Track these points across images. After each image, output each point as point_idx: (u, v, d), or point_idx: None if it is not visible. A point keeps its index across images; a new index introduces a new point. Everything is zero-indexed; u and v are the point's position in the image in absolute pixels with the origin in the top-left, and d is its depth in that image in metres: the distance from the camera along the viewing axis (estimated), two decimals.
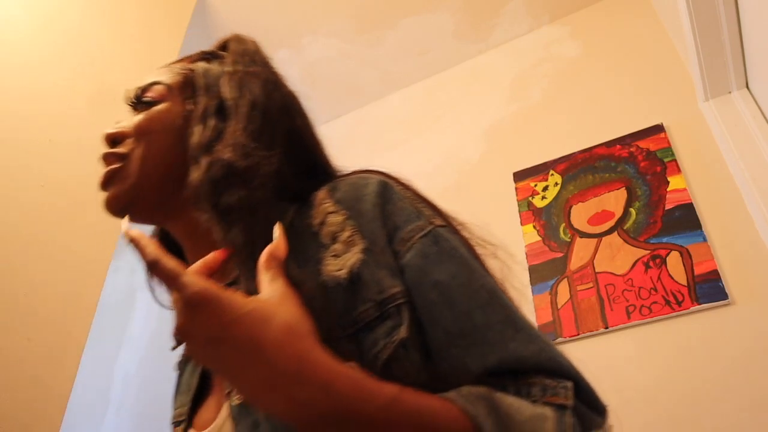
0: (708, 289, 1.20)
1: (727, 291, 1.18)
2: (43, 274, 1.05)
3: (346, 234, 0.49)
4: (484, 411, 0.39)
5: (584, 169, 1.53)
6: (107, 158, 0.61)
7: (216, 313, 0.35)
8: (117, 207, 0.60)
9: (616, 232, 1.39)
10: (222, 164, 0.51)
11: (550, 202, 1.53)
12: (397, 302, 0.45)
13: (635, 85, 1.60)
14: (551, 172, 1.58)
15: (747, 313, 1.16)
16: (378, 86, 2.13)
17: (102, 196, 0.62)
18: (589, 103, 1.65)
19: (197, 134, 0.55)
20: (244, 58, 0.61)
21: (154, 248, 0.37)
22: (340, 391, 0.36)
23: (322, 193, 0.54)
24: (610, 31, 1.75)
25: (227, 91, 0.57)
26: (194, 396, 0.57)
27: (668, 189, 1.37)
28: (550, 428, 0.39)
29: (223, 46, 0.64)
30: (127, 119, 0.62)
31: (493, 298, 0.46)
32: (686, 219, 1.31)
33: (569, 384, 0.42)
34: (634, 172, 1.45)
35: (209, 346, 0.36)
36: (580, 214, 1.47)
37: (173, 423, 0.60)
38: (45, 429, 0.95)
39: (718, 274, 1.21)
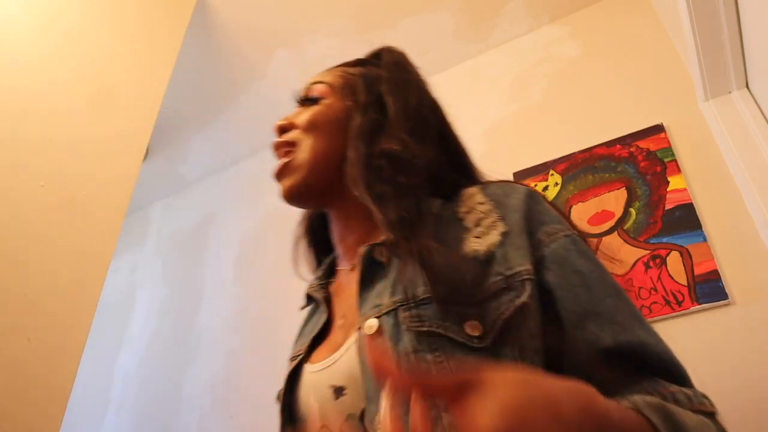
0: (708, 289, 1.20)
1: (727, 291, 1.19)
2: (42, 273, 1.05)
3: (489, 220, 0.57)
4: (660, 418, 0.42)
5: (584, 169, 1.53)
6: (279, 146, 0.69)
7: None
8: (294, 195, 0.67)
9: (616, 232, 1.39)
10: (384, 153, 0.60)
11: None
12: (523, 278, 0.52)
13: (635, 85, 1.60)
14: (551, 172, 1.58)
15: (747, 313, 1.16)
16: None
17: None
18: (589, 103, 1.65)
19: (359, 125, 0.64)
20: (397, 66, 0.72)
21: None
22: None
23: (473, 189, 0.62)
24: (610, 31, 1.75)
25: (386, 91, 0.67)
26: (314, 338, 0.64)
27: (668, 189, 1.37)
28: None
29: (376, 55, 0.76)
30: (290, 115, 0.72)
31: (621, 294, 0.54)
32: (686, 219, 1.31)
33: (706, 395, 0.48)
34: (634, 172, 1.45)
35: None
36: (580, 214, 1.47)
37: (291, 358, 0.67)
38: (45, 429, 0.95)
39: (718, 274, 1.21)
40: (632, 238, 1.36)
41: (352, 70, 0.73)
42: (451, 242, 0.56)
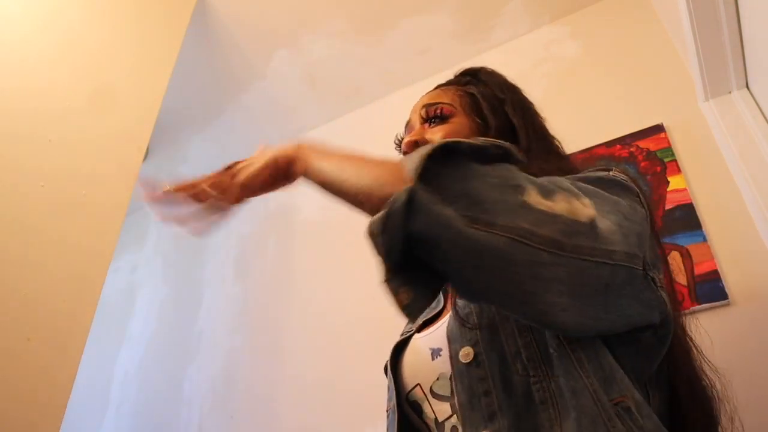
0: (708, 289, 1.20)
1: (727, 291, 1.18)
2: (42, 273, 1.05)
3: None
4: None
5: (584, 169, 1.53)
6: None
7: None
8: None
9: None
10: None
11: None
12: None
13: (635, 85, 1.60)
14: None
15: (747, 313, 1.16)
16: (378, 86, 2.13)
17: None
18: (589, 103, 1.65)
19: None
20: (504, 85, 0.82)
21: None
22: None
23: None
24: (610, 31, 1.75)
25: (512, 114, 0.77)
26: (427, 321, 0.74)
27: (668, 189, 1.37)
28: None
29: (473, 74, 0.85)
30: (418, 131, 0.79)
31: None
32: (686, 219, 1.31)
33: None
34: (634, 172, 1.45)
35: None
36: None
37: (402, 334, 0.77)
38: (45, 429, 0.95)
39: (718, 274, 1.21)
40: None
41: (465, 89, 0.81)
42: None
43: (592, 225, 0.47)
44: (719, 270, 1.21)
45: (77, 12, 1.34)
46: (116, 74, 1.38)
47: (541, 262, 0.44)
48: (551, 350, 0.53)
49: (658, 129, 1.47)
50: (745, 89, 1.28)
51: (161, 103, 1.49)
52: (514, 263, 0.44)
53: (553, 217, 0.45)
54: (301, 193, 2.16)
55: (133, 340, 2.26)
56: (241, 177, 0.64)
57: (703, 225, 1.28)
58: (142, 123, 1.42)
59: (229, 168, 0.67)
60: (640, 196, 0.62)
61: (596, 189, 0.54)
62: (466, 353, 0.59)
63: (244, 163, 0.66)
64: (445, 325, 0.65)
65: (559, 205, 0.46)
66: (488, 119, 0.76)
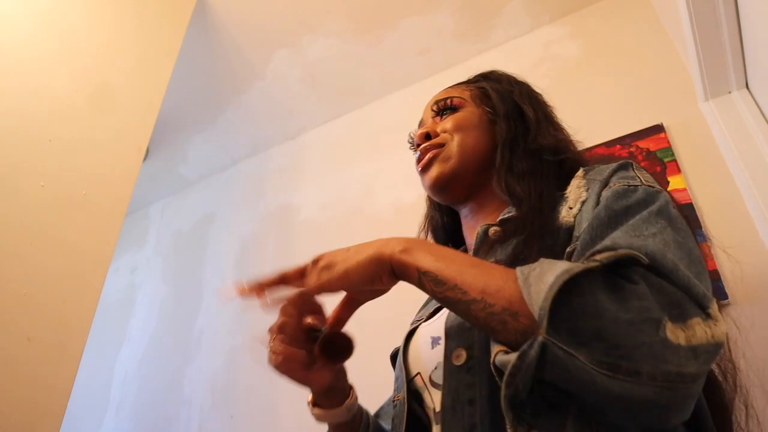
0: None
1: (727, 291, 1.18)
2: (43, 273, 1.05)
3: (580, 194, 0.64)
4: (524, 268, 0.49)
5: None
6: (428, 148, 0.78)
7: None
8: (442, 182, 0.76)
9: None
10: (537, 149, 0.73)
11: None
12: None
13: (635, 85, 1.60)
14: None
15: (747, 313, 1.16)
16: (378, 86, 2.13)
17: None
18: (589, 103, 1.65)
19: (509, 129, 0.76)
20: (516, 81, 0.86)
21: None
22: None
23: (580, 172, 0.69)
24: (610, 31, 1.75)
25: (520, 100, 0.80)
26: (437, 309, 0.74)
27: (668, 189, 1.37)
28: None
29: (483, 74, 0.89)
30: (429, 124, 0.81)
31: (640, 220, 0.55)
32: (686, 219, 1.30)
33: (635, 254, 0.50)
34: None
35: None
36: None
37: (412, 323, 0.78)
38: (45, 429, 0.95)
39: (719, 274, 1.21)
40: None
41: (475, 84, 0.85)
42: (555, 217, 0.64)
43: (723, 340, 0.46)
44: (719, 270, 1.21)
45: (77, 12, 1.34)
46: (116, 74, 1.38)
47: (691, 395, 0.44)
48: None
49: (658, 129, 1.47)
50: (745, 89, 1.28)
51: (161, 103, 1.49)
52: (666, 407, 0.43)
53: (694, 351, 0.43)
54: (301, 193, 2.18)
55: (133, 340, 2.27)
56: (339, 270, 0.58)
57: (703, 225, 1.28)
58: (142, 123, 1.42)
59: (315, 261, 0.61)
60: (673, 199, 0.63)
61: (681, 249, 0.52)
62: (458, 355, 0.59)
63: (330, 258, 0.60)
64: (447, 313, 0.66)
65: (698, 334, 0.44)
66: (497, 107, 0.79)
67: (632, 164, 0.65)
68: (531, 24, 1.91)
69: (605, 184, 0.62)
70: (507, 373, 0.44)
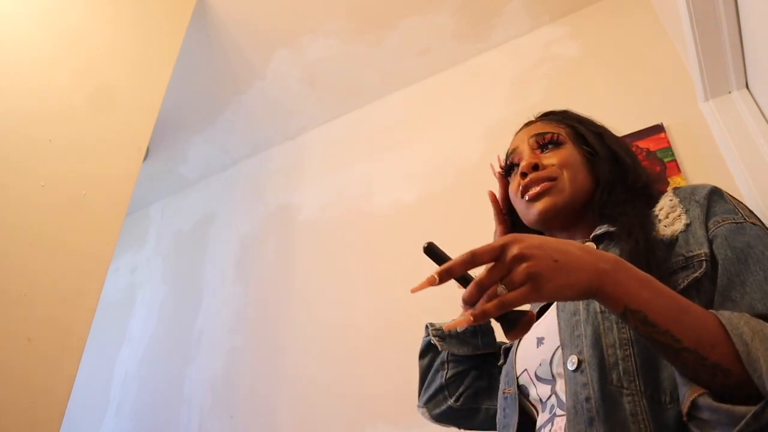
0: None
1: None
2: (43, 273, 1.05)
3: (676, 213, 0.71)
4: (738, 321, 0.52)
5: None
6: (540, 179, 0.83)
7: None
8: (552, 213, 0.82)
9: None
10: (634, 189, 0.81)
11: None
12: (701, 259, 0.64)
13: (635, 85, 1.60)
14: None
15: None
16: (378, 86, 2.13)
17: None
18: (589, 103, 1.64)
19: (610, 171, 0.83)
20: (594, 123, 0.92)
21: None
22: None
23: (668, 192, 0.76)
24: (610, 31, 1.75)
25: (613, 144, 0.87)
26: (542, 308, 0.79)
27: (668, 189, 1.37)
28: None
29: (559, 112, 0.95)
30: (535, 155, 0.87)
31: None
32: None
33: None
34: None
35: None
36: None
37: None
38: (45, 429, 0.95)
39: None
40: None
41: (564, 123, 0.91)
42: (649, 230, 0.70)
43: None
44: None
45: (77, 12, 1.34)
46: (116, 74, 1.38)
47: None
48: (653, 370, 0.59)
49: (658, 129, 1.47)
50: (745, 89, 1.28)
51: (161, 103, 1.49)
52: None
53: None
54: (301, 193, 2.18)
55: (133, 340, 2.27)
56: (549, 289, 0.51)
57: None
58: (142, 123, 1.42)
59: (510, 251, 0.54)
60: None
61: None
62: (573, 361, 0.65)
63: (534, 266, 0.51)
64: (551, 316, 0.73)
65: None
66: (596, 148, 0.85)
67: (720, 189, 0.71)
68: (531, 24, 1.91)
69: (706, 211, 0.68)
70: (740, 426, 0.47)
